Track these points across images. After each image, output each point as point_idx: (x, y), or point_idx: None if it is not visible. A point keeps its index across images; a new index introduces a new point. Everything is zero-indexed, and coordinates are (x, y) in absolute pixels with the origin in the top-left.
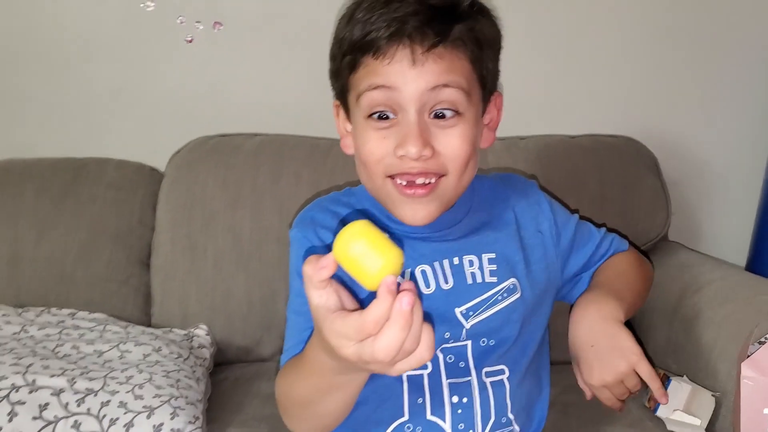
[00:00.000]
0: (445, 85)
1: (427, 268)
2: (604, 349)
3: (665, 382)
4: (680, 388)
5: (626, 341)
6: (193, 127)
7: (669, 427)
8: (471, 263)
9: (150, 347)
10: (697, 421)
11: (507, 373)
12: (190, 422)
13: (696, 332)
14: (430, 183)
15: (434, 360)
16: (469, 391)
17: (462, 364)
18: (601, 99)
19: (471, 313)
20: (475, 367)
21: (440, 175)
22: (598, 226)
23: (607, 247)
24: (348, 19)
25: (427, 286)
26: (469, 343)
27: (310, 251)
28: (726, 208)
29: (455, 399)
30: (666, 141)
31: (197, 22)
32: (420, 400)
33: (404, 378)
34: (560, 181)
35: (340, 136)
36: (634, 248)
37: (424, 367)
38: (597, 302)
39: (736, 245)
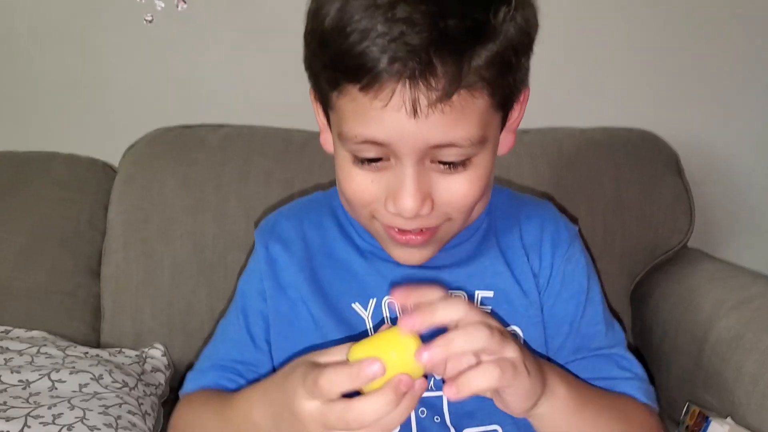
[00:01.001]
0: (452, 145)
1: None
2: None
3: (703, 422)
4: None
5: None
6: (151, 117)
7: None
8: None
9: (88, 375)
10: None
11: None
12: None
13: (735, 360)
14: (428, 229)
15: None
16: None
17: (437, 420)
18: (614, 88)
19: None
20: (454, 426)
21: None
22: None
23: (625, 372)
24: (337, 12)
25: (394, 322)
26: (444, 397)
27: (256, 272)
28: (754, 213)
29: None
30: (686, 136)
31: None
32: None
33: None
34: (570, 181)
35: (319, 129)
36: (656, 412)
37: None
38: (550, 373)
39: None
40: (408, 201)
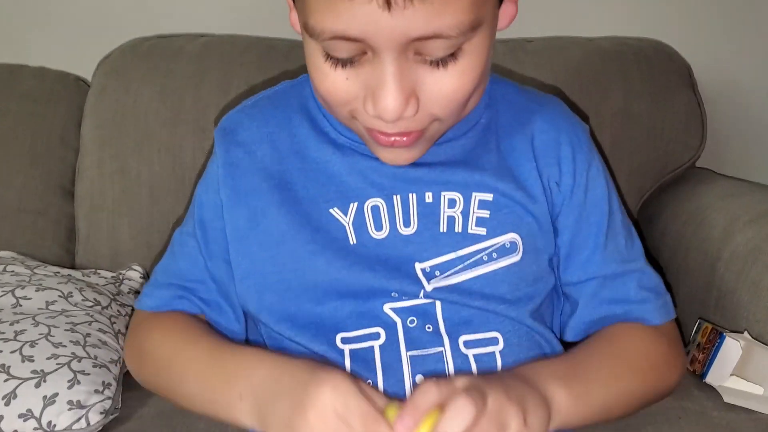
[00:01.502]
0: (437, 36)
1: (381, 203)
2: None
3: (716, 338)
4: (737, 348)
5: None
6: (126, 27)
7: (726, 399)
8: (452, 203)
9: (56, 293)
10: (759, 389)
11: (501, 344)
12: (96, 391)
13: (752, 275)
14: (414, 131)
15: (389, 325)
16: (441, 366)
17: (429, 329)
18: None
19: (438, 272)
20: (449, 334)
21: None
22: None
23: (641, 292)
24: None
25: (378, 227)
26: (438, 303)
27: (213, 180)
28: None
29: (420, 379)
30: (699, 49)
31: None
32: (369, 383)
33: (346, 352)
34: (577, 92)
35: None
36: (675, 332)
37: (375, 336)
38: (552, 389)
39: None
40: (389, 103)
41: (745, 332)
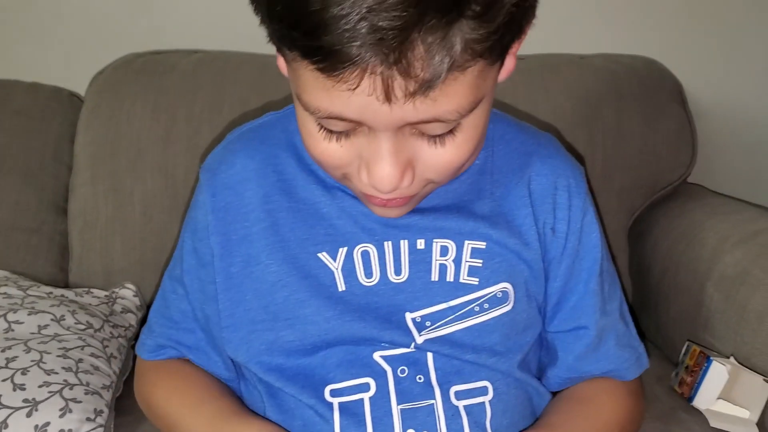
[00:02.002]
0: (436, 120)
1: (372, 249)
2: None
3: (704, 362)
4: (724, 372)
5: None
6: (120, 43)
7: (712, 423)
8: (444, 251)
9: (49, 316)
10: (745, 413)
11: (490, 394)
12: (87, 419)
13: (739, 297)
14: (408, 196)
15: (379, 375)
16: (432, 420)
17: (421, 380)
18: (615, 12)
19: (428, 323)
20: (440, 385)
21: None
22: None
23: (621, 351)
24: None
25: (368, 275)
26: (429, 354)
27: (202, 226)
28: (759, 149)
29: None
30: (690, 66)
31: None
32: None
33: (335, 405)
34: (570, 110)
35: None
36: (640, 383)
37: (365, 387)
38: None
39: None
40: (385, 177)
41: (732, 357)
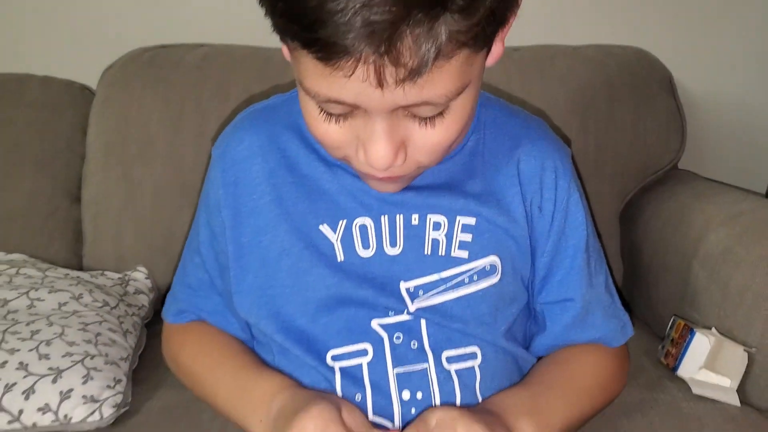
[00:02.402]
0: (426, 103)
1: (369, 223)
2: None
3: (687, 334)
4: (707, 344)
5: None
6: (129, 37)
7: (695, 390)
8: (437, 226)
9: (68, 294)
10: (726, 381)
11: (479, 359)
12: (108, 386)
13: (723, 274)
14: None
15: (376, 341)
16: (426, 382)
17: (415, 345)
18: (607, 5)
19: (421, 292)
20: (433, 351)
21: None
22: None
23: (607, 321)
24: None
25: (365, 246)
26: (423, 321)
27: (214, 201)
28: (744, 136)
29: (406, 395)
30: (682, 56)
31: None
32: (359, 397)
33: (336, 369)
34: (563, 99)
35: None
36: (625, 350)
37: (363, 353)
38: (519, 422)
39: (756, 177)
40: (380, 156)
41: (713, 329)
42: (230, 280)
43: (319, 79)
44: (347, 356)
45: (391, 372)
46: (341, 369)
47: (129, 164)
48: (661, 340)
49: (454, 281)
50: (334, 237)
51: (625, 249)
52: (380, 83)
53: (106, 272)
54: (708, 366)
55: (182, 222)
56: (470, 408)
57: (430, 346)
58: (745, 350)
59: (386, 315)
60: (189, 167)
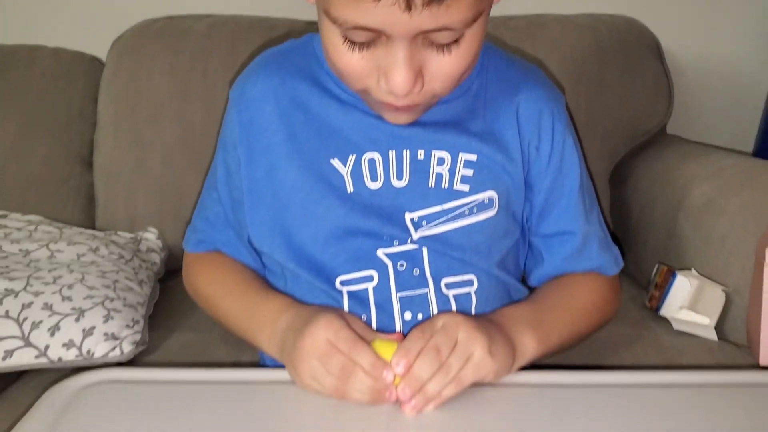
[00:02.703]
0: (445, 29)
1: (377, 157)
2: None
3: (669, 277)
4: (688, 284)
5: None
6: (135, 11)
7: (675, 327)
8: (441, 161)
9: (85, 247)
10: (705, 320)
11: (475, 285)
12: (127, 326)
13: (705, 224)
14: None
15: (381, 268)
16: (426, 305)
17: (416, 272)
18: None
19: (424, 222)
20: (433, 277)
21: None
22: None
23: (602, 253)
24: None
25: (373, 179)
26: (425, 249)
27: (230, 140)
28: (731, 100)
29: (408, 315)
30: (666, 22)
31: None
32: (364, 318)
33: (344, 293)
34: (555, 64)
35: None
36: (617, 278)
37: (369, 279)
38: (519, 332)
39: (742, 140)
40: (400, 81)
41: (693, 269)
42: (244, 215)
43: (347, 6)
44: (355, 281)
45: (395, 295)
46: (349, 292)
47: (139, 130)
48: (647, 287)
49: (455, 213)
50: (345, 170)
51: (615, 208)
52: (409, 6)
53: (118, 232)
54: (688, 306)
55: (191, 184)
56: (474, 317)
57: (430, 273)
58: (723, 290)
59: (391, 245)
60: (197, 132)
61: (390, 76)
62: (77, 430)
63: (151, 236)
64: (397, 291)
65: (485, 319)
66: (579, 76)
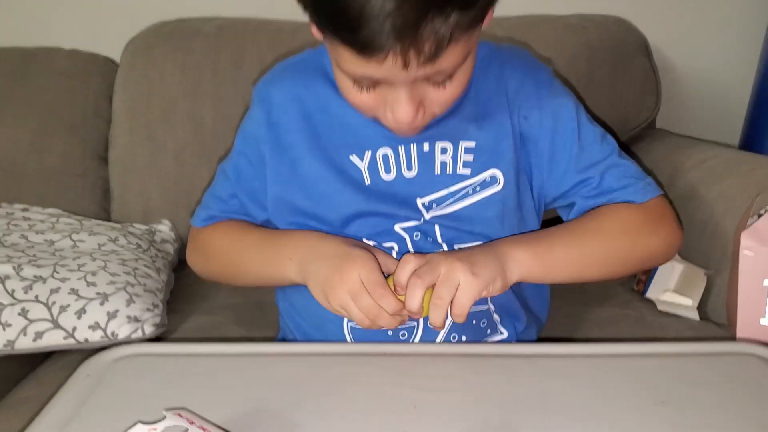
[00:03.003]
0: (439, 73)
1: (389, 152)
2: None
3: None
4: (671, 268)
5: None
6: (148, 14)
7: (659, 308)
8: (444, 151)
9: (106, 237)
10: (688, 301)
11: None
12: (148, 309)
13: (689, 211)
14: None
15: (399, 240)
16: None
17: (430, 240)
18: None
19: (434, 205)
20: (445, 242)
21: None
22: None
23: (622, 180)
24: None
25: (387, 171)
26: (437, 225)
27: (253, 135)
28: (718, 96)
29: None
30: (655, 21)
31: None
32: (392, 246)
33: None
34: (547, 62)
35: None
36: (666, 202)
37: (390, 250)
38: (508, 247)
39: (729, 134)
40: (404, 115)
41: (676, 255)
42: (264, 202)
43: (354, 63)
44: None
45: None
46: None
47: (152, 127)
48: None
49: (461, 194)
50: (362, 165)
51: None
52: (406, 66)
53: (134, 224)
54: (672, 288)
55: (202, 178)
56: (471, 247)
57: (443, 239)
58: (705, 273)
59: (406, 221)
60: (208, 128)
61: (395, 111)
62: (112, 396)
63: (164, 228)
64: (414, 248)
65: (476, 247)
66: (570, 74)
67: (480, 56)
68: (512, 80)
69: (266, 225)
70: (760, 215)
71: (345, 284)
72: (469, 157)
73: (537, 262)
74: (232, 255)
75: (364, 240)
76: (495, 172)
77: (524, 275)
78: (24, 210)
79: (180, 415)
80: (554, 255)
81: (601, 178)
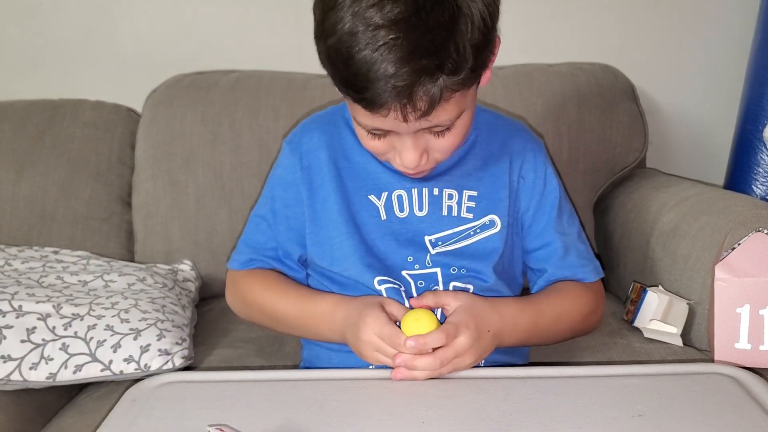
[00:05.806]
0: (437, 125)
1: (404, 193)
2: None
3: (641, 293)
4: (656, 299)
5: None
6: (166, 68)
7: (646, 335)
8: (450, 197)
9: (134, 277)
10: (672, 329)
11: (471, 289)
12: (176, 343)
13: (672, 246)
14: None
15: (406, 283)
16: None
17: (432, 286)
18: (578, 27)
19: (440, 242)
20: (444, 285)
21: None
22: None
23: (582, 260)
24: (342, 39)
25: (401, 210)
26: (438, 270)
27: (287, 180)
28: (703, 135)
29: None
30: (643, 68)
31: None
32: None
33: (382, 290)
34: (539, 107)
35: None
36: (600, 287)
37: (399, 287)
38: (509, 338)
39: (714, 173)
40: (410, 160)
41: (660, 285)
42: (292, 239)
43: (365, 117)
44: (387, 282)
45: (416, 294)
46: (385, 289)
47: (174, 173)
48: (625, 302)
49: (463, 234)
50: (380, 203)
51: (599, 234)
52: (405, 120)
53: (157, 264)
54: (658, 317)
55: (222, 220)
56: (484, 304)
57: (442, 282)
58: (687, 303)
59: (413, 268)
60: (227, 174)
61: (402, 156)
62: (158, 417)
63: (186, 267)
64: (417, 293)
65: (492, 320)
66: (561, 118)
67: (487, 122)
68: (515, 146)
69: (301, 262)
70: (733, 248)
71: (368, 344)
72: (471, 204)
73: (518, 339)
74: (272, 315)
75: (376, 281)
76: (493, 217)
77: (504, 345)
78: (55, 252)
79: (222, 430)
80: (530, 334)
81: (567, 251)
